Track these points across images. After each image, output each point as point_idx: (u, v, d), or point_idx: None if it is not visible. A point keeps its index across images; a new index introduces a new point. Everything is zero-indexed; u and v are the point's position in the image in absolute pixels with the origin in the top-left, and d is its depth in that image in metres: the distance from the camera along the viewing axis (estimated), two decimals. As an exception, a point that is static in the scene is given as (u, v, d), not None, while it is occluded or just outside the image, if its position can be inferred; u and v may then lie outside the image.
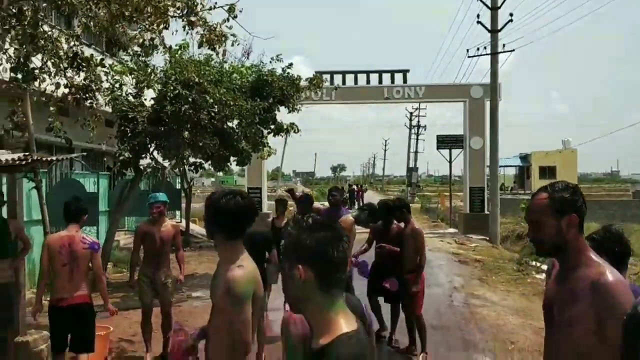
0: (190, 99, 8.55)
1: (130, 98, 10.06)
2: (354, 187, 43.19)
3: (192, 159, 11.65)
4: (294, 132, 11.54)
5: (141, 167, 10.55)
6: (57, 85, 6.05)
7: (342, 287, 1.73)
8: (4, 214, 5.76)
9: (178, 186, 17.18)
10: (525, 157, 44.80)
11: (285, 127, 11.39)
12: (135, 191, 10.81)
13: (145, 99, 10.14)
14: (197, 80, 8.65)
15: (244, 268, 2.68)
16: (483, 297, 9.55)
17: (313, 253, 1.69)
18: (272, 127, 11.12)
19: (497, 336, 7.12)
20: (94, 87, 6.66)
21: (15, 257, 5.57)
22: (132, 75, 10.22)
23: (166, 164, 11.63)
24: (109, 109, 9.94)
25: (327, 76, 21.04)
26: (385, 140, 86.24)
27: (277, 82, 10.49)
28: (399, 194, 54.30)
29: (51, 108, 5.99)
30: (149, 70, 9.50)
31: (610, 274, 2.04)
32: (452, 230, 22.23)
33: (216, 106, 8.81)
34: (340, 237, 1.72)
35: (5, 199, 5.57)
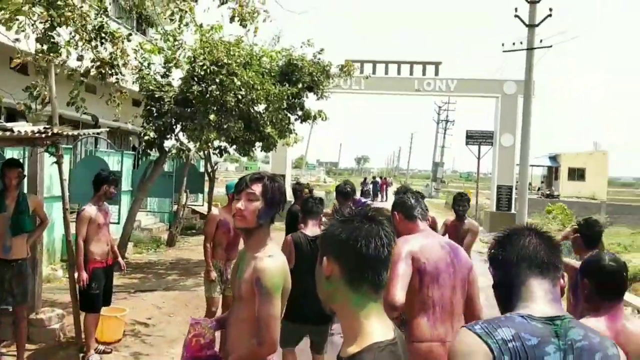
0: (217, 80, 8.35)
1: (158, 77, 9.94)
2: (378, 179, 42.71)
3: (216, 143, 11.51)
4: (322, 119, 11.29)
5: (165, 148, 10.43)
6: (81, 58, 5.87)
7: (377, 287, 1.49)
8: (25, 189, 5.66)
9: (202, 170, 17.10)
10: (554, 158, 43.87)
11: (313, 114, 11.14)
12: (158, 172, 10.70)
13: (172, 79, 10.01)
14: (225, 61, 8.43)
15: (275, 258, 2.45)
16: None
17: (340, 245, 1.48)
18: (300, 113, 10.88)
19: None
20: (120, 62, 6.48)
21: (32, 232, 5.45)
22: (162, 54, 10.09)
23: (191, 146, 11.51)
24: (136, 88, 9.82)
25: (357, 65, 20.74)
26: (412, 134, 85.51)
27: (307, 68, 10.23)
28: (422, 189, 53.77)
29: (76, 81, 5.81)
30: (178, 47, 9.31)
31: None
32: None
33: (243, 89, 8.60)
34: (378, 231, 1.49)
35: (25, 173, 5.44)
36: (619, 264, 2.59)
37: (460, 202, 6.67)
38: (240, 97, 8.70)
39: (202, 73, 8.55)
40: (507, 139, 20.43)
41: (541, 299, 1.59)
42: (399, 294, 2.81)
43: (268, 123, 9.89)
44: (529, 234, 1.70)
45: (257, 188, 2.48)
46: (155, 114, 9.59)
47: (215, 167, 16.60)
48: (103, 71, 6.29)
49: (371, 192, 33.51)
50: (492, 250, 1.76)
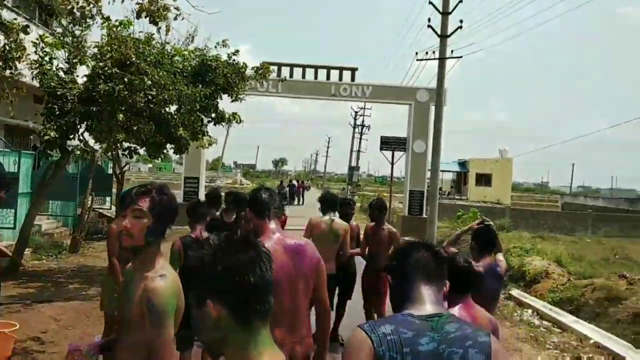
0: (125, 79, 7.94)
1: (61, 73, 9.33)
2: (295, 182, 42.85)
3: (125, 144, 10.99)
4: (237, 122, 11.05)
5: (69, 148, 9.82)
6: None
7: (265, 318, 1.40)
8: None
9: (110, 171, 16.32)
10: (463, 164, 45.81)
11: (227, 116, 10.88)
12: (60, 174, 10.06)
13: (77, 76, 9.43)
14: (134, 59, 8.03)
15: (167, 278, 2.25)
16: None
17: (223, 281, 1.35)
18: (214, 115, 10.59)
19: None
20: (15, 56, 5.98)
21: None
22: (65, 49, 9.48)
23: (97, 147, 10.91)
24: (36, 84, 9.16)
25: (274, 68, 20.63)
26: (329, 138, 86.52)
27: (221, 69, 9.98)
28: (339, 192, 54.56)
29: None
30: (81, 42, 8.77)
31: None
32: (389, 231, 22.28)
33: (154, 89, 8.24)
34: (257, 257, 1.40)
35: None
36: (470, 264, 3.09)
37: (374, 208, 6.75)
38: (150, 97, 8.33)
39: (109, 71, 8.10)
40: (420, 145, 21.03)
41: (425, 301, 1.89)
42: None
43: (180, 125, 9.55)
44: (421, 247, 2.03)
45: (144, 203, 2.28)
46: (57, 113, 9.00)
47: (125, 168, 15.90)
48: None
49: (287, 195, 33.49)
50: (391, 261, 2.07)
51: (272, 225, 3.10)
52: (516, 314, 9.63)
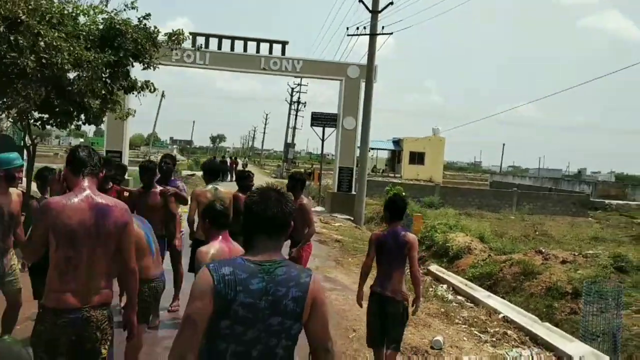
0: (12, 39, 7.23)
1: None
2: (227, 159, 42.51)
3: (37, 114, 10.22)
4: (150, 91, 10.43)
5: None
6: None
7: None
8: None
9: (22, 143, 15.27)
10: (397, 142, 46.31)
11: (140, 84, 10.24)
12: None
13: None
14: (23, 17, 7.31)
15: None
16: (334, 280, 9.27)
17: None
18: (124, 83, 9.93)
19: (340, 323, 6.78)
20: None
21: None
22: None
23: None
24: None
25: (202, 39, 19.90)
26: (267, 114, 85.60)
27: (130, 33, 9.31)
28: (275, 169, 54.19)
29: None
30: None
31: None
32: (320, 208, 22.15)
33: (47, 52, 7.56)
34: None
35: None
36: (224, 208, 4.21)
37: (290, 178, 6.90)
38: (44, 60, 7.65)
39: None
40: (350, 122, 20.89)
41: (263, 249, 2.24)
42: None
43: (87, 92, 8.88)
44: (272, 196, 2.28)
45: None
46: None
47: (36, 140, 14.92)
48: None
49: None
50: (245, 209, 2.32)
51: (86, 183, 3.16)
52: (431, 289, 9.64)
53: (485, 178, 59.53)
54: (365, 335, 5.11)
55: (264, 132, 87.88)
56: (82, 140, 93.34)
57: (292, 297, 2.18)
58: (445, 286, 10.15)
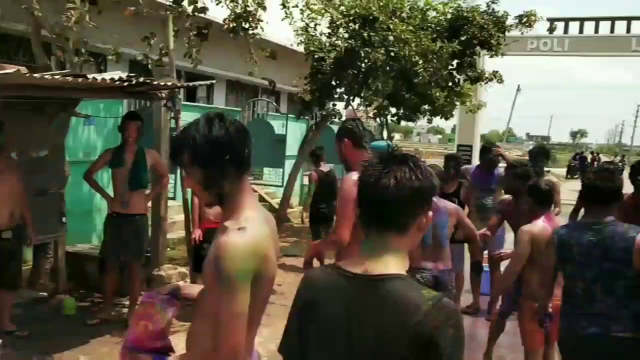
0: (365, 35, 7.67)
1: (324, 38, 9.49)
2: (585, 155, 38.08)
3: (393, 109, 10.90)
4: (497, 81, 9.94)
5: (325, 112, 10.06)
6: (202, 10, 5.58)
7: None
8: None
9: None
10: None
11: (486, 75, 9.84)
12: (318, 137, 10.41)
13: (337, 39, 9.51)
14: (376, 14, 7.69)
15: (247, 232, 1.71)
16: None
17: None
18: (470, 73, 9.66)
19: None
20: (256, 14, 6.15)
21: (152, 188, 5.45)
22: (326, 15, 9.64)
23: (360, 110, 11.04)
24: (300, 48, 9.53)
25: (560, 24, 18.29)
26: (638, 105, 74.75)
27: (477, 20, 8.96)
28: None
29: (191, 34, 5.60)
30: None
31: None
32: None
33: (396, 45, 7.79)
34: None
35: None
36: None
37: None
38: (393, 53, 7.92)
39: (352, 28, 7.93)
40: None
41: (595, 213, 3.01)
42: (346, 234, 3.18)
43: (432, 84, 8.94)
44: (605, 174, 3.02)
45: (186, 158, 1.80)
46: (319, 76, 9.22)
47: (400, 136, 15.98)
48: (243, 25, 6.06)
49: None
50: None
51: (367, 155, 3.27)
52: None
53: None
54: None
55: (634, 126, 76.06)
56: (440, 136, 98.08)
57: (618, 248, 2.77)
58: None
